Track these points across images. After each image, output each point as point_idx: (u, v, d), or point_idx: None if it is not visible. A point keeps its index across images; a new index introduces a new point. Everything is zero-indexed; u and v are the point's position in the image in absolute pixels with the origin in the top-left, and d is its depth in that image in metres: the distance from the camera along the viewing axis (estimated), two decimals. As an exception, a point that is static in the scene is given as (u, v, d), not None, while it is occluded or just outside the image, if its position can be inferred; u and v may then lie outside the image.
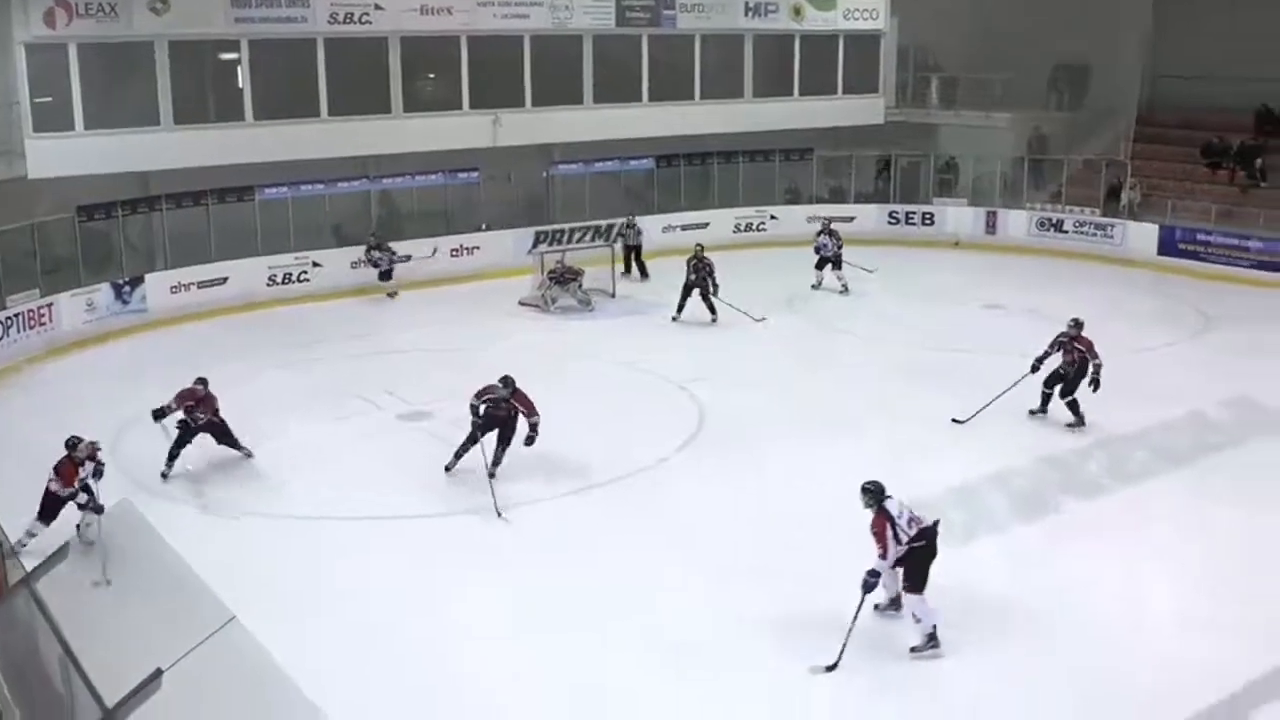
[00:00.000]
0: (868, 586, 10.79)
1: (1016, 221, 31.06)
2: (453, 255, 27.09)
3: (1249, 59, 29.29)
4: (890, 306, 24.61)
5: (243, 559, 12.65)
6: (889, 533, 10.71)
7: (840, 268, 25.66)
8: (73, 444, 12.89)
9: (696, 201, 30.98)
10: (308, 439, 16.62)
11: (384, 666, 10.62)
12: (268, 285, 24.94)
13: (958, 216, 31.62)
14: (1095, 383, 16.75)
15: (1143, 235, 28.98)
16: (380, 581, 12.37)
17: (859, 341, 21.80)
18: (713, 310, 22.63)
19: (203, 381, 15.21)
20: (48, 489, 12.83)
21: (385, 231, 26.40)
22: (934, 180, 32.81)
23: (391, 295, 24.94)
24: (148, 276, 23.43)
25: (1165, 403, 17.47)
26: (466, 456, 14.99)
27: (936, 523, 10.91)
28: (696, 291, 22.72)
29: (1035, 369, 16.88)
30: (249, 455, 15.65)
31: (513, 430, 14.90)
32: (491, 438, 14.85)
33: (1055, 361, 16.91)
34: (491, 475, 14.55)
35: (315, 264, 25.34)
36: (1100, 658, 10.86)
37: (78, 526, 12.64)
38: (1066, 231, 30.32)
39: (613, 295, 24.71)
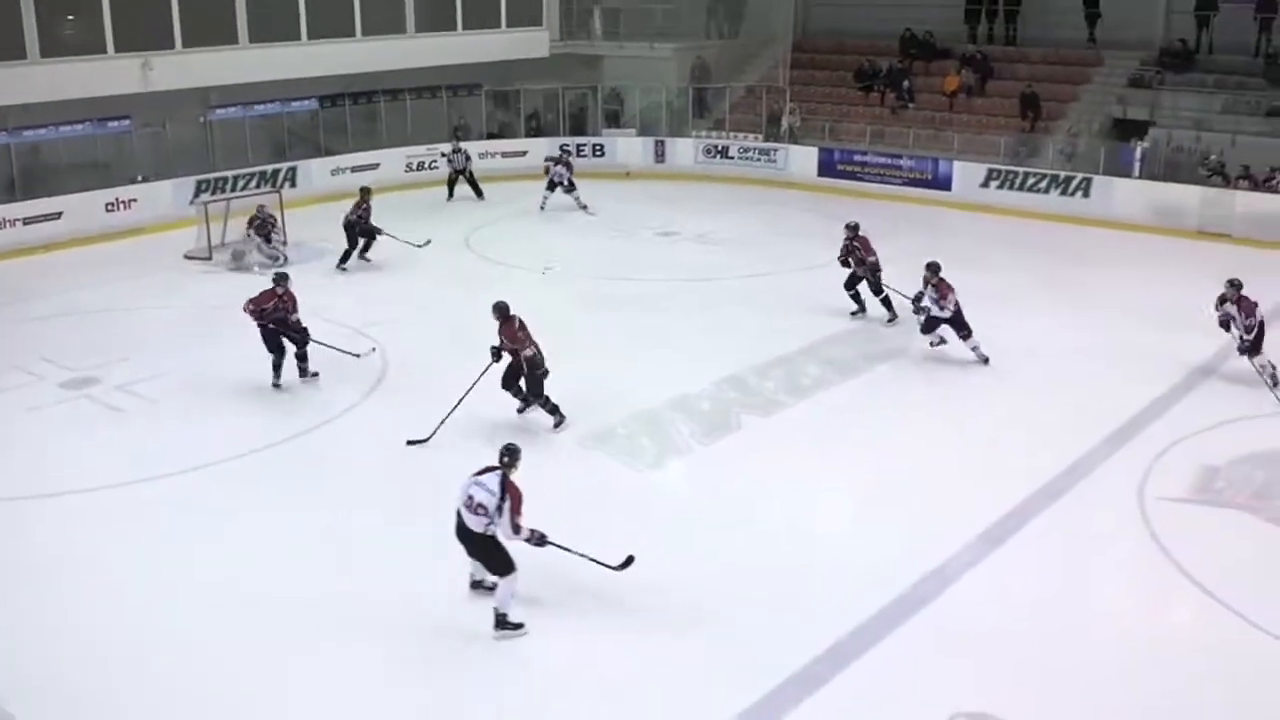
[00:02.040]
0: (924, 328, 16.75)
1: (684, 150, 31.90)
2: (108, 210, 25.63)
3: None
4: (563, 239, 24.89)
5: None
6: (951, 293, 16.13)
7: (573, 190, 26.87)
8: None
9: (365, 142, 30.35)
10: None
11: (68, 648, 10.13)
12: (-101, 250, 23.01)
13: (627, 147, 32.18)
14: (874, 285, 18.46)
15: (803, 158, 30.30)
16: (59, 559, 11.72)
17: (534, 275, 21.90)
18: (366, 251, 22.46)
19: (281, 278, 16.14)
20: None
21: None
22: (602, 112, 33.28)
23: None
24: None
25: (832, 317, 18.40)
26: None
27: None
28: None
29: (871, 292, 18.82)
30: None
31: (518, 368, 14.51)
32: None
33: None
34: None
35: (-51, 226, 23.54)
36: (778, 566, 11.45)
37: None
38: (732, 158, 31.34)
39: (284, 243, 24.01)
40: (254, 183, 27.39)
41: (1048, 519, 12.33)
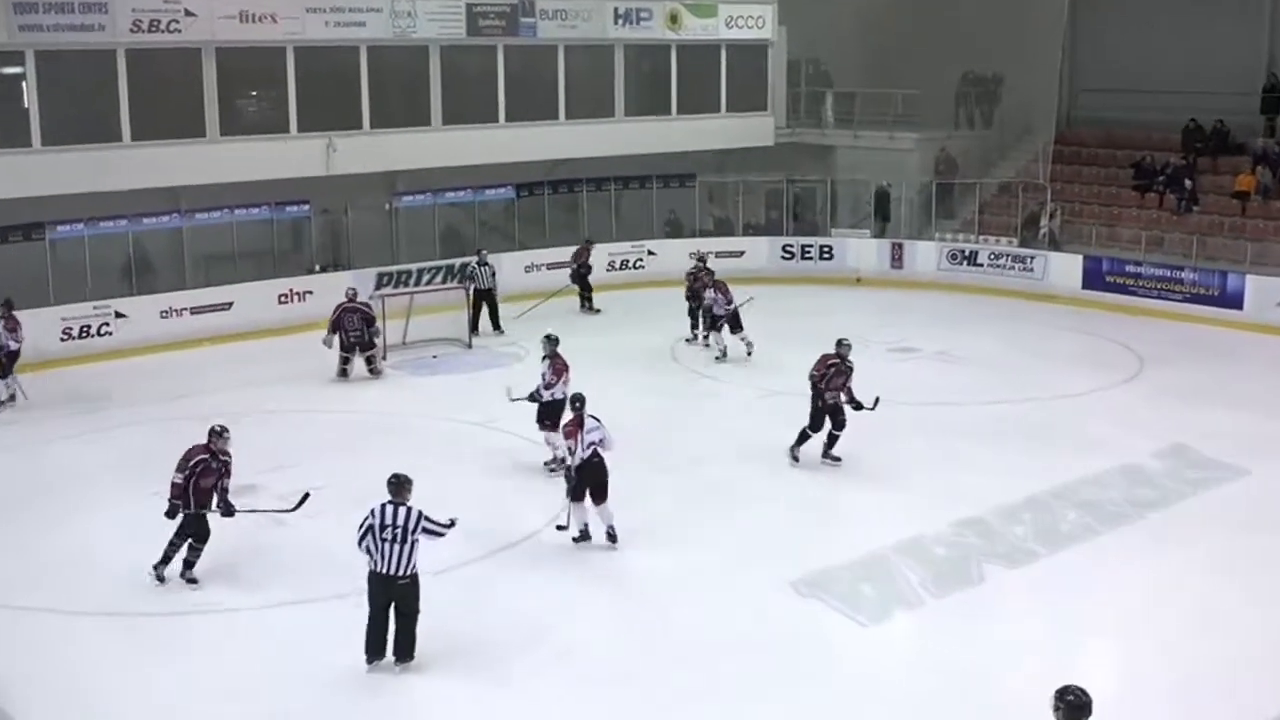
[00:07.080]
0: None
1: (925, 254, 31.45)
2: (280, 301, 26.57)
3: (1175, 70, 30.42)
4: (786, 353, 24.69)
5: (40, 664, 12.21)
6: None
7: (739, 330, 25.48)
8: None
9: (564, 236, 30.78)
10: (112, 521, 16.00)
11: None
12: (61, 340, 24.12)
13: (860, 250, 31.92)
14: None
15: (1065, 267, 29.52)
16: (210, 681, 11.98)
17: (751, 393, 21.80)
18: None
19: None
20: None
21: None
22: (833, 210, 33.11)
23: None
24: (-91, 332, 22.60)
25: (1094, 454, 17.80)
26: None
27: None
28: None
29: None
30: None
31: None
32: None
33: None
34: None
35: (119, 314, 24.67)
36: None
37: None
38: (981, 265, 30.78)
39: (469, 346, 24.51)
40: (439, 277, 28.06)
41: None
